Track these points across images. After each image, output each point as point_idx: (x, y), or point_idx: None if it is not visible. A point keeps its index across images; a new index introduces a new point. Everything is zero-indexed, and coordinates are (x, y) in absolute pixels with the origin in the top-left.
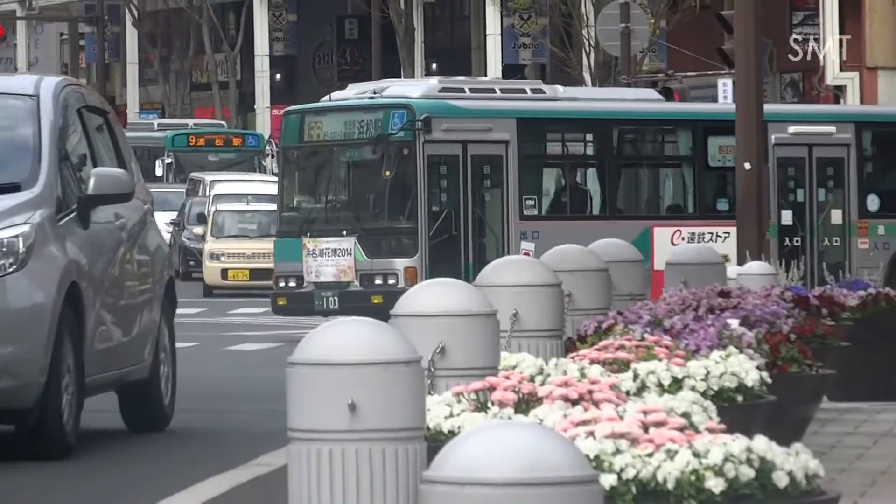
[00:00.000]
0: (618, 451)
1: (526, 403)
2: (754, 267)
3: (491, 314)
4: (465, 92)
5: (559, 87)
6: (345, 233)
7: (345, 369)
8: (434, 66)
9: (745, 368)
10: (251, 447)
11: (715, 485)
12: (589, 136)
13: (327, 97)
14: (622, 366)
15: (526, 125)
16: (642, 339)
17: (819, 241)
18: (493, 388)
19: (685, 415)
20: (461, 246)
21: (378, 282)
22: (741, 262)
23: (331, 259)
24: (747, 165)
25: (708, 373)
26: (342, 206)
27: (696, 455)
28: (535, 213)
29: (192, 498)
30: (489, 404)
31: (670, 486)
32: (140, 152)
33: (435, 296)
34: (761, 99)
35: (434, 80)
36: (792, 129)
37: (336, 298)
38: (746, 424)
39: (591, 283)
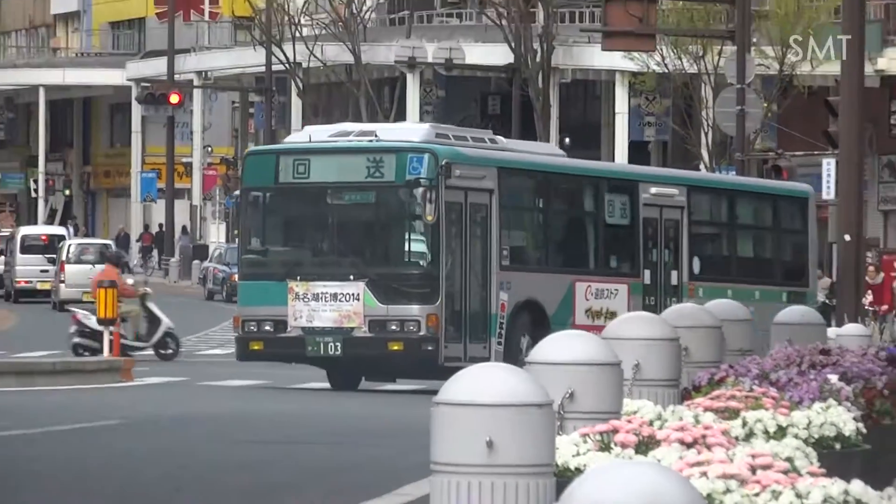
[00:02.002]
0: (728, 491)
1: (645, 445)
2: (852, 328)
3: (616, 364)
4: (450, 138)
5: (501, 138)
6: (352, 277)
7: (484, 410)
8: (567, 140)
9: (843, 419)
10: (391, 478)
11: None
12: (552, 191)
13: (304, 135)
14: (732, 414)
15: (504, 175)
16: (751, 390)
17: (662, 301)
18: (616, 431)
19: (789, 459)
20: (462, 296)
21: (393, 328)
22: (839, 324)
23: (329, 304)
24: (847, 237)
25: (810, 422)
26: (344, 249)
27: (799, 496)
28: (509, 263)
29: None
30: (612, 445)
31: None
32: None
33: (566, 346)
34: (862, 177)
35: (427, 126)
36: (653, 189)
37: (339, 344)
38: (844, 470)
39: (706, 339)
